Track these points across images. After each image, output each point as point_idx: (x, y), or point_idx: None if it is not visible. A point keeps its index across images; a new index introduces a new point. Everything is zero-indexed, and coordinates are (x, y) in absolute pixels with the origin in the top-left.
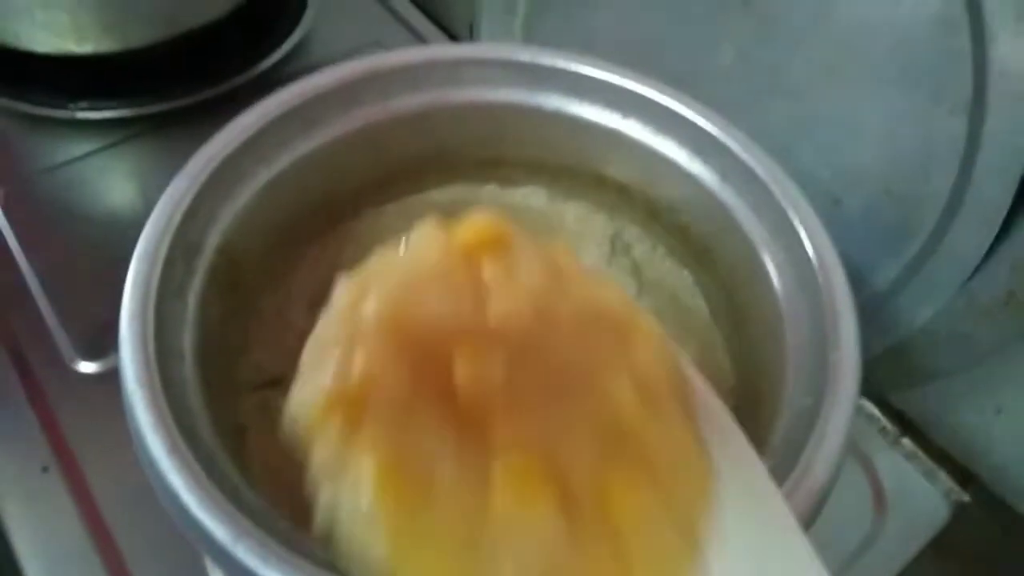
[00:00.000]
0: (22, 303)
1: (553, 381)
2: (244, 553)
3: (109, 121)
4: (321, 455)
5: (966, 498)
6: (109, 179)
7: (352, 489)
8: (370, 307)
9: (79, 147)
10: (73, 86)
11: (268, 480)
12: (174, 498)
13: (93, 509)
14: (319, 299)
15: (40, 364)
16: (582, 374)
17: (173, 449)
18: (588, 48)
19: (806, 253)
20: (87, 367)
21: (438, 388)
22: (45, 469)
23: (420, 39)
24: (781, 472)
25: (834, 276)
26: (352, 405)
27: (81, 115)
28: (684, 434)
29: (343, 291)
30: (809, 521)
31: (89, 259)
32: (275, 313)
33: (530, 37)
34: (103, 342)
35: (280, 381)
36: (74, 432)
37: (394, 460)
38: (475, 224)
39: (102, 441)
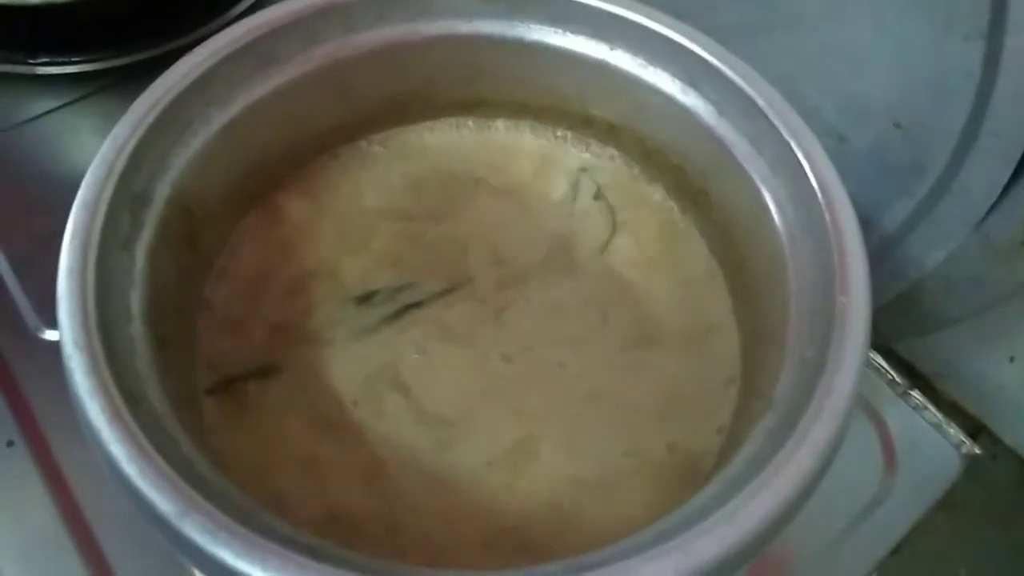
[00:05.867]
0: None
1: None
2: (191, 528)
3: (72, 76)
4: None
5: (977, 451)
6: (73, 137)
7: None
8: None
9: (40, 104)
10: (31, 40)
11: (231, 451)
12: (116, 470)
13: (61, 483)
14: (293, 252)
15: (3, 332)
16: None
17: (114, 417)
18: None
19: (811, 189)
20: (53, 335)
21: None
22: (10, 443)
23: None
24: (784, 429)
25: (841, 213)
26: None
27: (41, 70)
28: None
29: None
30: (815, 482)
31: (53, 222)
32: (242, 270)
33: None
34: None
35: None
36: (40, 404)
37: None
38: None
39: (69, 412)
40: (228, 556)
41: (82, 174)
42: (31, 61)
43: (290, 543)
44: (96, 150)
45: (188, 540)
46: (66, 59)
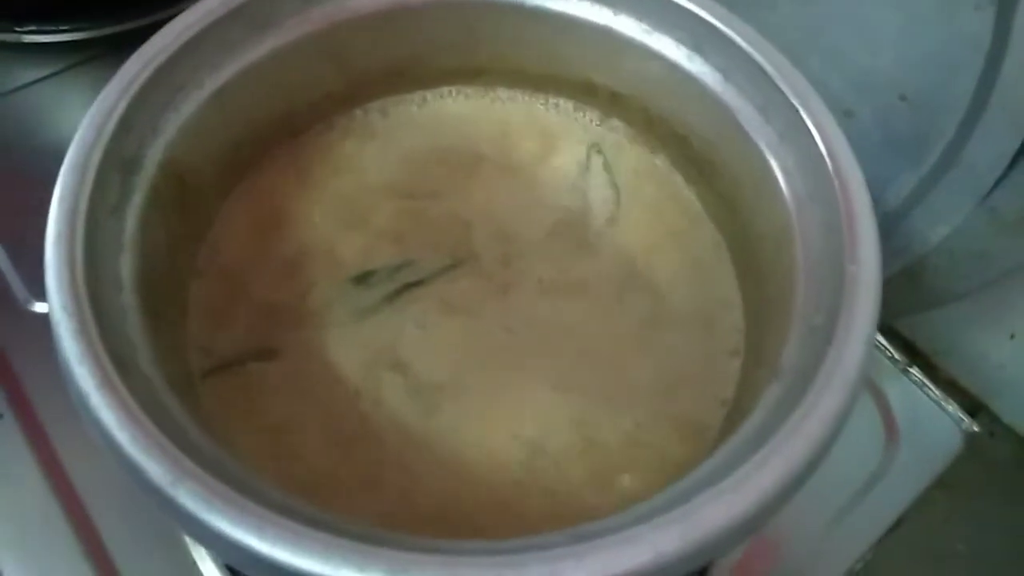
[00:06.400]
0: None
1: None
2: (185, 496)
3: (60, 44)
4: None
5: (976, 428)
6: (62, 107)
7: None
8: None
9: (28, 73)
10: (19, 7)
11: (224, 417)
12: (107, 437)
13: (52, 456)
14: (288, 227)
15: None
16: None
17: (104, 382)
18: None
19: (820, 156)
20: (42, 307)
21: None
22: (0, 417)
23: None
24: (791, 398)
25: (851, 181)
26: None
27: (29, 39)
28: None
29: None
30: (822, 453)
31: (40, 193)
32: (235, 245)
33: None
34: None
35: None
36: (30, 376)
37: None
38: None
39: (60, 386)
40: (224, 524)
41: (70, 144)
42: (18, 29)
43: (286, 511)
44: None
45: (182, 508)
46: (55, 27)
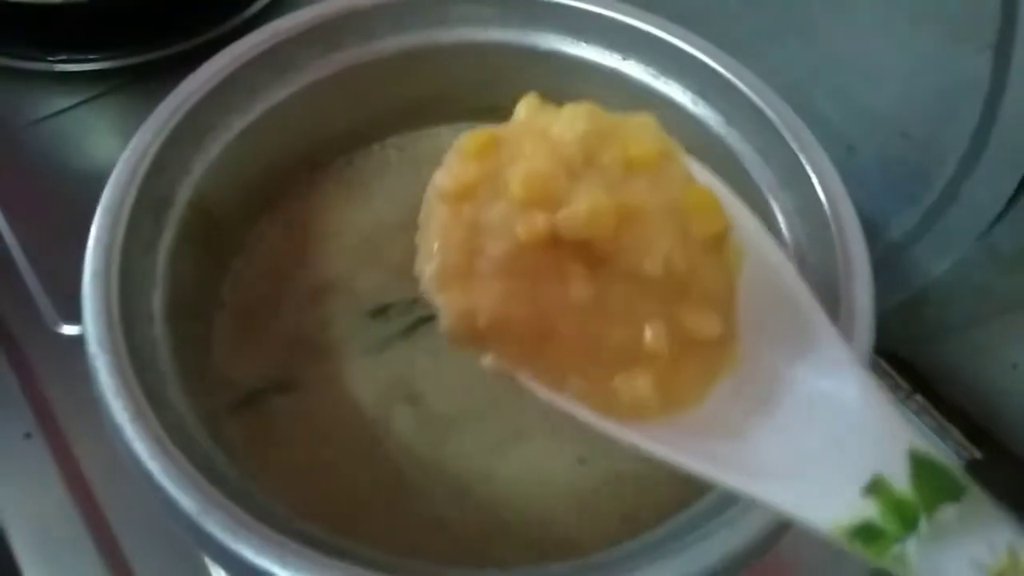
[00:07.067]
0: (1, 264)
1: None
2: (213, 525)
3: (90, 73)
4: None
5: (979, 455)
6: (91, 134)
7: None
8: None
9: (58, 101)
10: (51, 37)
11: (248, 447)
12: (139, 466)
13: (78, 475)
14: (307, 261)
15: (21, 327)
16: None
17: (137, 415)
18: None
19: (818, 201)
20: (70, 330)
21: None
22: (28, 435)
23: None
24: None
25: (848, 225)
26: None
27: (60, 68)
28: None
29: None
30: None
31: (71, 217)
32: (257, 279)
33: None
34: None
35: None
36: (57, 397)
37: None
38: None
39: (86, 406)
40: (249, 553)
41: (99, 170)
42: (50, 58)
43: (310, 540)
44: (113, 147)
45: (210, 537)
46: (84, 57)
